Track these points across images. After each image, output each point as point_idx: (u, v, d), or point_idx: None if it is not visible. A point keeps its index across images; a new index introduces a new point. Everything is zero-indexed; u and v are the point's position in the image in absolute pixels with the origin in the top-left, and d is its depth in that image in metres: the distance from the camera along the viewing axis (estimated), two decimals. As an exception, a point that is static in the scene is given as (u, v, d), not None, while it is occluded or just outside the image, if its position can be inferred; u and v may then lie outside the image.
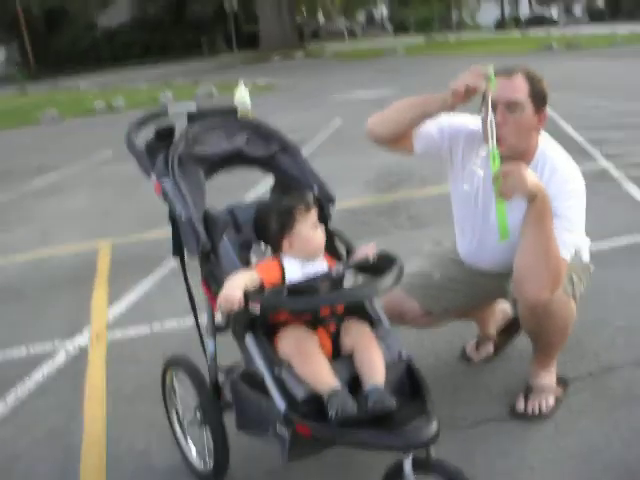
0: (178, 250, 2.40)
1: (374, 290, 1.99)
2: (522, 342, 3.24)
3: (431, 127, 2.69)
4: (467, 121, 2.74)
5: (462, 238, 2.89)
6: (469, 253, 2.86)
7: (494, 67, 2.36)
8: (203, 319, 2.48)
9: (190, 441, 2.62)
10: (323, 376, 1.98)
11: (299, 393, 1.99)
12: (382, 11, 52.28)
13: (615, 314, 3.53)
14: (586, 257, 2.78)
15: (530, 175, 2.32)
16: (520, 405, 2.79)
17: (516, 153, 2.51)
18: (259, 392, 2.16)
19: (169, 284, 4.52)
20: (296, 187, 2.47)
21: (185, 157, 2.29)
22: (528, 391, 2.82)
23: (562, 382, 2.90)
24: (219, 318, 2.31)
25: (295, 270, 2.12)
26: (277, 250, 2.20)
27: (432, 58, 25.52)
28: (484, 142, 2.58)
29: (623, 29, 30.62)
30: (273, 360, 2.05)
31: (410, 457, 1.89)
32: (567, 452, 2.54)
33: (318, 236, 2.18)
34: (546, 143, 2.65)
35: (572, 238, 2.51)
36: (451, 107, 2.43)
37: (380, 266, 2.11)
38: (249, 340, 2.09)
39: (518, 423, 2.74)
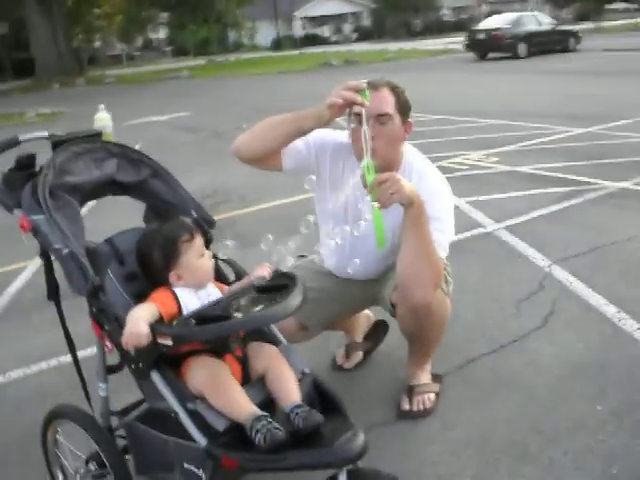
0: (54, 292, 2.18)
1: (289, 308, 1.94)
2: (387, 346, 3.37)
3: (298, 142, 2.69)
4: (333, 134, 2.78)
5: (331, 251, 2.91)
6: (340, 265, 2.89)
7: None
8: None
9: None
10: (241, 405, 1.90)
11: (219, 425, 1.89)
12: (160, 35, 51.71)
13: (463, 309, 3.74)
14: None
15: (405, 182, 2.41)
16: (405, 405, 2.88)
17: (387, 163, 2.59)
18: (162, 432, 2.04)
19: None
20: (173, 213, 2.36)
21: (55, 188, 2.08)
22: (410, 391, 2.91)
23: (437, 378, 3.03)
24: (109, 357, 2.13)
25: (190, 298, 2.03)
26: (164, 284, 2.08)
27: (217, 79, 25.82)
28: (354, 154, 2.65)
29: (392, 46, 33.05)
30: (185, 395, 1.93)
31: (344, 471, 1.87)
32: (461, 442, 2.66)
33: (206, 263, 2.11)
34: (408, 149, 2.77)
35: (444, 238, 2.63)
36: (327, 122, 2.45)
37: (278, 285, 2.07)
38: (155, 377, 1.94)
39: (406, 423, 2.81)
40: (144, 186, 2.34)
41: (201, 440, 1.87)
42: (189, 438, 1.94)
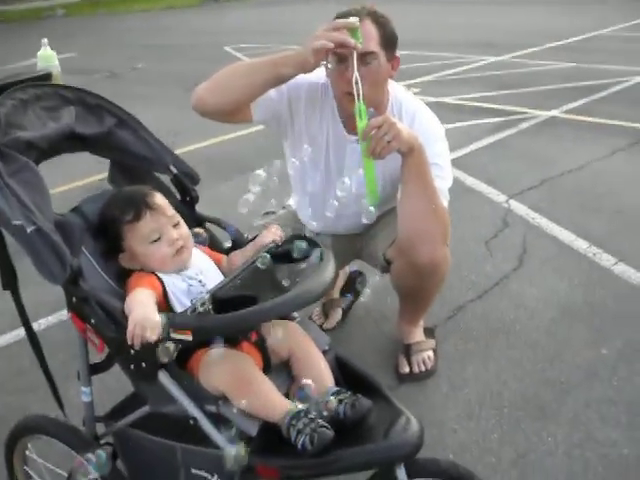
0: (10, 281, 1.74)
1: (328, 279, 1.58)
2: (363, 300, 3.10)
3: None
4: (304, 75, 2.37)
5: (311, 208, 2.56)
6: (323, 222, 2.52)
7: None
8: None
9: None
10: (275, 402, 1.56)
11: (251, 429, 1.55)
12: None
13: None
14: None
15: (402, 125, 2.08)
16: (405, 368, 2.62)
17: (373, 106, 2.25)
18: (166, 437, 1.69)
19: None
20: (145, 169, 1.94)
21: (4, 147, 1.62)
22: (406, 352, 2.66)
23: (429, 333, 2.79)
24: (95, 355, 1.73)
25: (175, 280, 1.65)
26: (119, 263, 1.74)
27: (97, 16, 24.18)
28: (334, 97, 2.31)
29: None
30: (203, 396, 1.57)
31: (402, 465, 1.58)
32: (474, 403, 2.44)
33: (160, 250, 1.67)
34: (394, 87, 2.43)
35: (446, 185, 2.35)
36: (312, 68, 2.08)
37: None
38: (164, 378, 1.56)
39: (410, 386, 2.57)
40: (109, 139, 1.88)
41: (229, 448, 1.53)
42: (199, 442, 1.61)
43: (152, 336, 1.41)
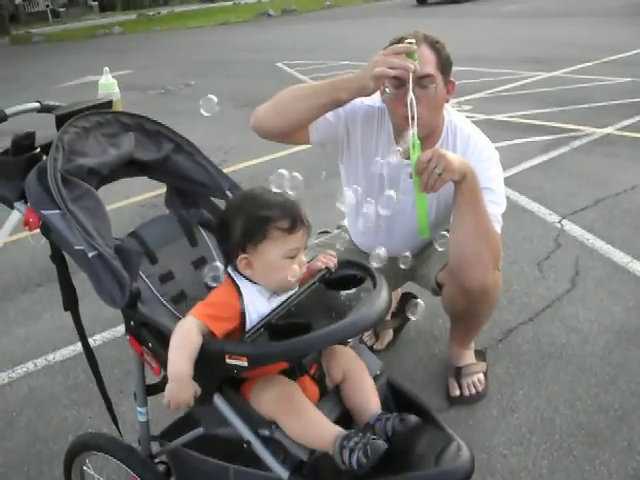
0: (71, 302, 1.80)
1: (384, 307, 1.59)
2: (415, 321, 3.08)
3: None
4: (362, 98, 2.40)
5: (363, 230, 2.58)
6: (374, 243, 2.53)
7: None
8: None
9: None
10: (324, 428, 1.57)
11: (302, 453, 1.57)
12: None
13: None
14: None
15: (450, 154, 2.07)
16: (455, 390, 2.61)
17: (429, 130, 2.27)
18: (220, 458, 1.71)
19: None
20: (202, 194, 1.99)
21: (68, 174, 1.68)
22: (457, 374, 2.65)
23: (481, 355, 2.77)
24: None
25: (260, 302, 1.60)
26: (230, 263, 1.66)
27: (151, 34, 24.74)
28: (392, 122, 2.33)
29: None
30: (256, 421, 1.60)
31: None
32: (525, 428, 2.42)
33: (291, 270, 1.59)
34: (449, 112, 2.44)
35: (499, 210, 2.33)
36: (371, 93, 2.11)
37: (347, 278, 1.73)
38: (219, 402, 1.60)
39: (460, 410, 2.55)
40: (166, 164, 1.94)
41: (281, 472, 1.55)
42: (251, 463, 1.63)
43: (190, 404, 1.51)
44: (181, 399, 1.49)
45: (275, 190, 1.69)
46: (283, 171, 1.72)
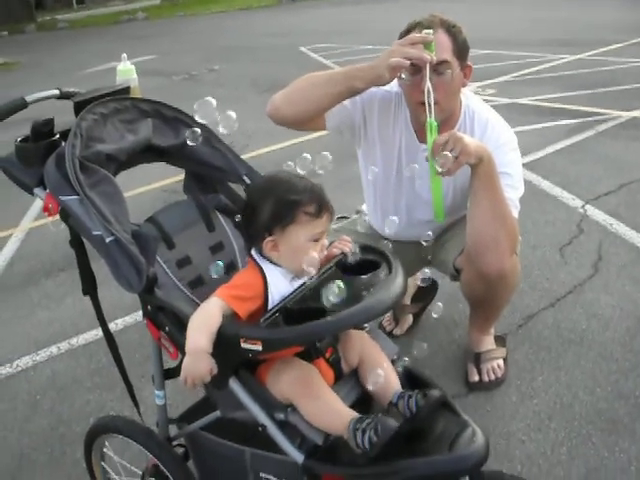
0: (90, 287, 1.82)
1: (399, 292, 1.59)
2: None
3: None
4: None
5: (382, 214, 2.58)
6: (395, 229, 2.53)
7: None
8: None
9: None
10: (340, 412, 1.58)
11: (317, 437, 1.58)
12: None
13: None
14: None
15: (467, 137, 2.06)
16: (474, 376, 2.61)
17: (446, 116, 2.25)
18: (236, 441, 1.73)
19: None
20: (220, 180, 1.99)
21: (86, 160, 1.70)
22: (476, 360, 2.64)
23: (500, 341, 2.76)
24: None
25: (282, 284, 1.62)
26: (254, 245, 1.67)
27: (175, 19, 24.76)
28: (408, 108, 2.33)
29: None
30: (272, 404, 1.61)
31: (467, 477, 1.58)
32: (544, 414, 2.41)
33: (313, 252, 1.60)
34: (467, 96, 2.42)
35: (517, 195, 2.32)
36: (386, 83, 2.11)
37: (364, 263, 1.73)
38: (235, 385, 1.61)
39: (479, 395, 2.55)
40: (184, 150, 1.95)
41: (297, 456, 1.56)
42: (268, 447, 1.64)
43: (206, 379, 1.51)
44: (197, 373, 1.49)
45: (300, 172, 1.70)
46: (307, 155, 1.72)
